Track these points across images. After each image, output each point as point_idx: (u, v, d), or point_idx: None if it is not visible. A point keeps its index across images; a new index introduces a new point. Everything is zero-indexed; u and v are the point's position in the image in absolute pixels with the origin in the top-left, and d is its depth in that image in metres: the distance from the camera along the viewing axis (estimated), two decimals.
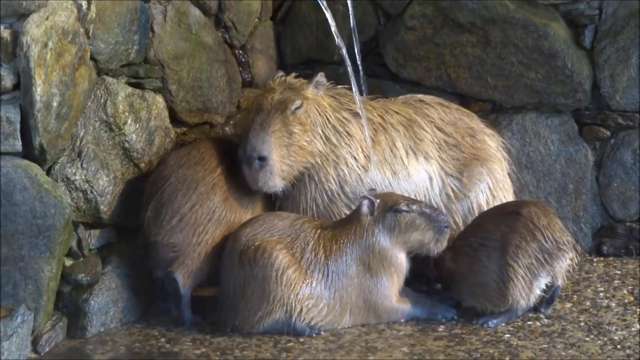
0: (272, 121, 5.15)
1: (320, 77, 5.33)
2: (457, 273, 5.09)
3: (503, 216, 5.07)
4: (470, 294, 5.06)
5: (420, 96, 5.63)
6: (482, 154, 5.51)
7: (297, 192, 5.27)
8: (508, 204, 5.35)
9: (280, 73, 5.44)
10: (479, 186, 5.47)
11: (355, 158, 5.28)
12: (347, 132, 5.30)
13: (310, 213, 5.25)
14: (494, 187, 5.50)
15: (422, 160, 5.40)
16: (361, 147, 5.30)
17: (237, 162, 5.21)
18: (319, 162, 5.24)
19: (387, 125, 5.39)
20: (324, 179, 5.25)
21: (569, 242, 5.04)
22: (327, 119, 5.28)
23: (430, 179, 5.40)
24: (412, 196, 5.28)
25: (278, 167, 5.13)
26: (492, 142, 5.58)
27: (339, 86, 5.46)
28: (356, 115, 5.35)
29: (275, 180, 5.15)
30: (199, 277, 5.10)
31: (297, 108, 5.19)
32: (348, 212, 5.19)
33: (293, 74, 5.39)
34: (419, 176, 5.38)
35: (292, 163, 5.17)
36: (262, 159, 5.10)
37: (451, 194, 5.42)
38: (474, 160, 5.48)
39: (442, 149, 5.46)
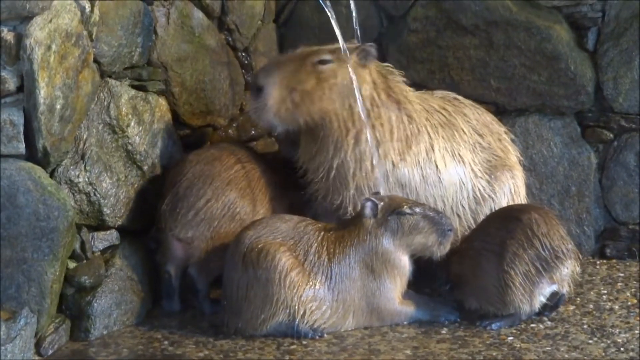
0: (288, 60, 5.05)
1: (369, 47, 5.15)
2: (462, 275, 5.09)
3: (505, 220, 5.06)
4: (473, 297, 5.06)
5: (454, 95, 5.57)
6: (507, 159, 5.48)
7: (318, 151, 5.15)
8: (513, 207, 5.31)
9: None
10: (503, 189, 5.44)
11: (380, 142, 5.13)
12: (378, 114, 5.15)
13: (329, 182, 5.16)
14: (514, 192, 5.47)
15: (455, 164, 5.34)
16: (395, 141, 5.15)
17: (257, 164, 5.23)
18: (335, 125, 5.08)
19: (429, 127, 5.29)
20: (340, 146, 5.10)
21: (569, 250, 4.99)
22: (359, 90, 5.06)
23: (461, 182, 5.35)
24: (440, 199, 5.27)
25: (272, 103, 5.01)
26: (513, 150, 5.57)
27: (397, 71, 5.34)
28: (397, 103, 5.21)
29: (269, 116, 5.04)
30: (214, 271, 5.12)
31: (322, 60, 5.06)
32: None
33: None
34: (450, 180, 5.32)
35: (294, 109, 5.03)
36: (259, 89, 5.02)
37: (479, 196, 5.39)
38: (501, 163, 5.45)
39: (475, 152, 5.40)
